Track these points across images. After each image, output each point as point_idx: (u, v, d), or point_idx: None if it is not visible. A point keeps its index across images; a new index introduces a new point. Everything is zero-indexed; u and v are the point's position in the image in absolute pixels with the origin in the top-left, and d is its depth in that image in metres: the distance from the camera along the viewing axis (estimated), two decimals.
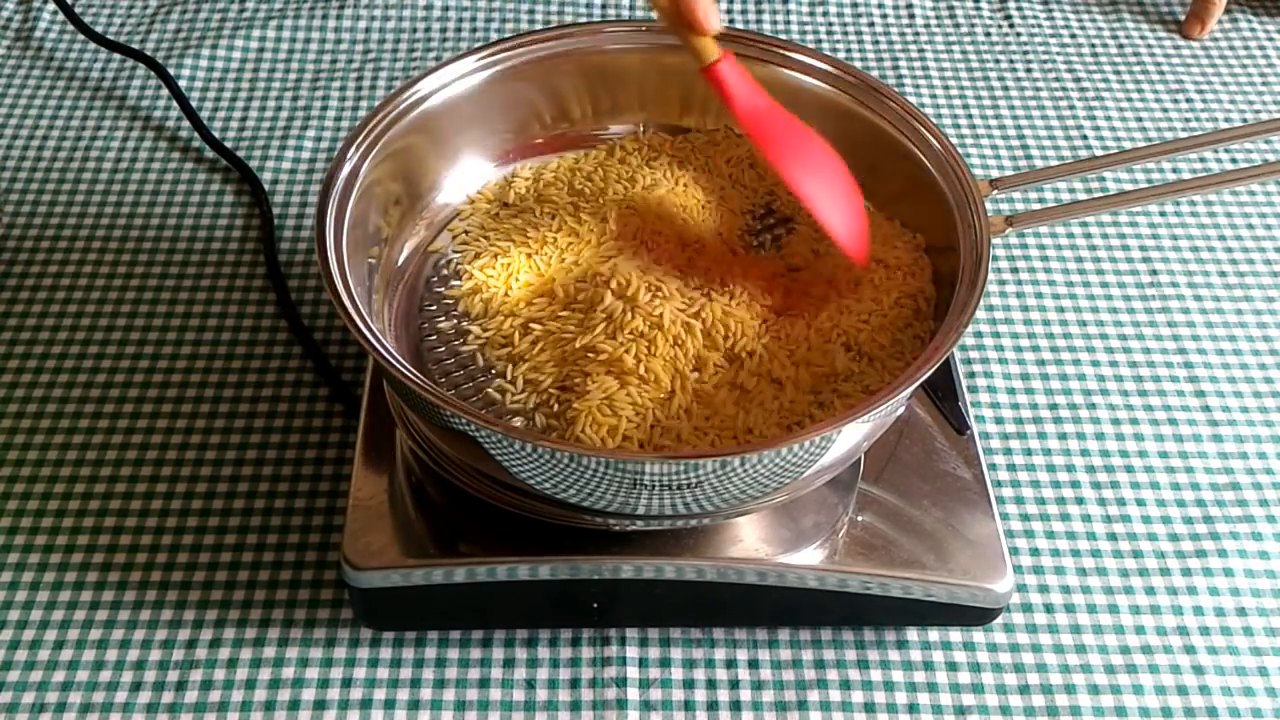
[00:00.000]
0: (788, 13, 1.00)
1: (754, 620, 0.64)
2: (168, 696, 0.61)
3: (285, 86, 0.93)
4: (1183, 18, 1.00)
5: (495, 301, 0.63)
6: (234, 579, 0.65)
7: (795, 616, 0.63)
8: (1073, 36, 0.99)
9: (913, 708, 0.61)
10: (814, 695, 0.61)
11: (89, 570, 0.65)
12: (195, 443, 0.71)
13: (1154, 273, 0.82)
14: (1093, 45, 0.98)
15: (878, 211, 0.67)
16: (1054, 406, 0.74)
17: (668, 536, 0.59)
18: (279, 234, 0.82)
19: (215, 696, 0.61)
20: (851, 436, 0.56)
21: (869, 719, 0.61)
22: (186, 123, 0.89)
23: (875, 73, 0.94)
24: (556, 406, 0.58)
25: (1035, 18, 1.00)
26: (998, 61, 0.97)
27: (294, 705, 0.60)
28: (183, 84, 0.92)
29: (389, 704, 0.61)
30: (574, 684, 0.62)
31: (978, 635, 0.64)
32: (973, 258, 0.58)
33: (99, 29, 0.96)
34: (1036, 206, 0.85)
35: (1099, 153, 0.89)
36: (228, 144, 0.88)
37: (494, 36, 0.96)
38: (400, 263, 0.66)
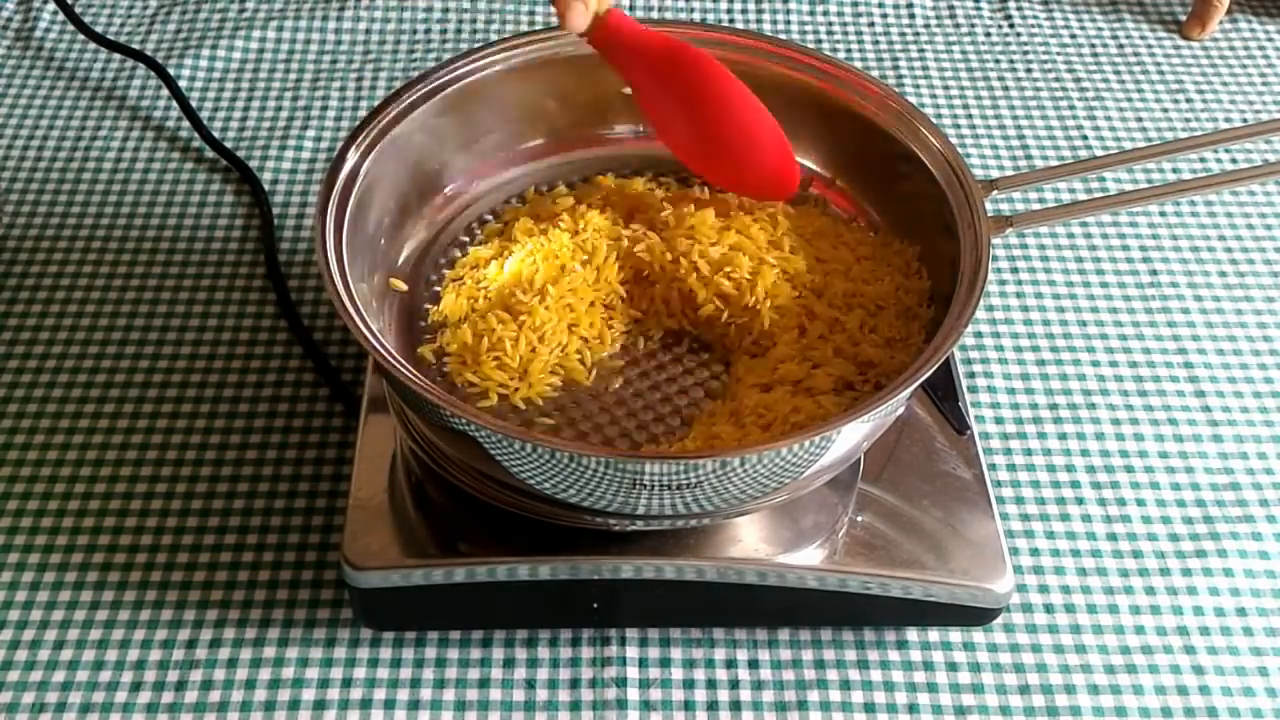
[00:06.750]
0: (788, 13, 1.00)
1: (754, 620, 0.64)
2: (168, 696, 0.61)
3: (285, 86, 0.93)
4: (1183, 18, 1.00)
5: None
6: (234, 579, 0.65)
7: (795, 616, 0.63)
8: (1073, 36, 0.99)
9: (913, 708, 0.61)
10: (814, 695, 0.61)
11: (89, 570, 0.65)
12: (195, 443, 0.71)
13: (1154, 273, 0.82)
14: (1093, 45, 0.98)
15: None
16: (1054, 406, 0.74)
17: (668, 536, 0.59)
18: (279, 234, 0.82)
19: (215, 696, 0.61)
20: (851, 436, 0.56)
21: (869, 719, 0.61)
22: (186, 123, 0.89)
23: (875, 73, 0.94)
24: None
25: (1035, 18, 1.00)
26: (998, 61, 0.97)
27: (294, 705, 0.60)
28: (183, 84, 0.92)
29: (389, 704, 0.61)
30: (574, 684, 0.62)
31: (978, 635, 0.64)
32: (973, 258, 0.58)
33: (99, 29, 0.96)
34: (1036, 206, 0.84)
35: (1099, 153, 0.89)
36: (228, 144, 0.88)
37: (493, 37, 0.96)
38: (400, 262, 0.66)
